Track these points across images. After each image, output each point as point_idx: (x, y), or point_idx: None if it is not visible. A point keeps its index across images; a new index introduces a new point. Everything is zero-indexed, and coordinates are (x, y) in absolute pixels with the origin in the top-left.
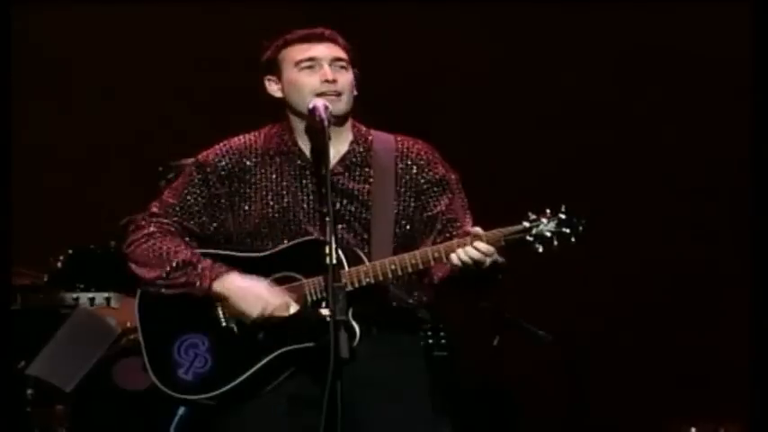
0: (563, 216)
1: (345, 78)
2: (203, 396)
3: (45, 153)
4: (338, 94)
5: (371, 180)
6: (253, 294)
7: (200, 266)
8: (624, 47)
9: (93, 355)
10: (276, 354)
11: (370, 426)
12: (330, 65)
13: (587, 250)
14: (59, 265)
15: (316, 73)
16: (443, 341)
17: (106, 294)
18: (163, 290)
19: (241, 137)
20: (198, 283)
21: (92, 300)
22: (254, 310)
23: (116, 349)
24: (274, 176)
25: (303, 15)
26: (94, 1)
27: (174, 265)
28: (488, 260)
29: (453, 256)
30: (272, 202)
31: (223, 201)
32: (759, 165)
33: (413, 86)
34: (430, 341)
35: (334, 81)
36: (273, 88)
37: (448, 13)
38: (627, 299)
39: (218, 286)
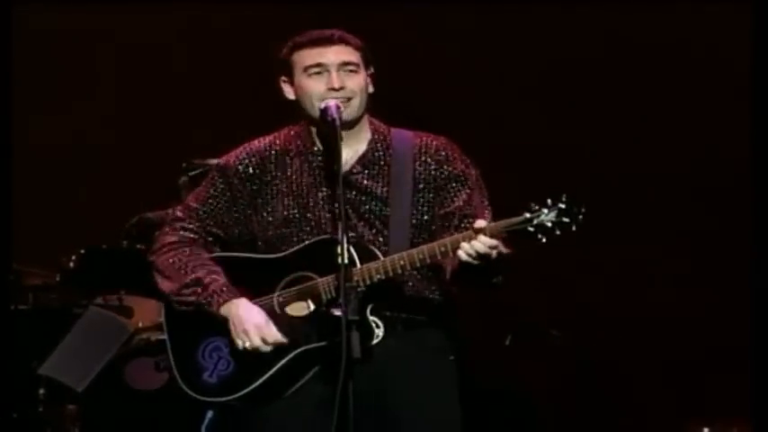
0: (563, 206)
1: (355, 82)
2: (227, 398)
3: (58, 153)
4: (347, 100)
5: (390, 178)
6: (241, 328)
7: (210, 288)
8: (626, 44)
9: (105, 355)
10: (294, 354)
11: (399, 423)
12: (338, 70)
13: (602, 250)
14: (71, 264)
15: (323, 79)
16: (455, 340)
17: (118, 304)
18: (176, 306)
19: (261, 139)
20: (205, 306)
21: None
22: (237, 342)
23: (128, 349)
24: (294, 177)
25: (313, 15)
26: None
27: (187, 281)
28: (493, 252)
29: (459, 251)
30: (292, 203)
31: (245, 204)
32: (760, 164)
33: (413, 84)
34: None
35: (341, 88)
36: (288, 90)
37: (450, 13)
38: (641, 298)
39: (225, 311)
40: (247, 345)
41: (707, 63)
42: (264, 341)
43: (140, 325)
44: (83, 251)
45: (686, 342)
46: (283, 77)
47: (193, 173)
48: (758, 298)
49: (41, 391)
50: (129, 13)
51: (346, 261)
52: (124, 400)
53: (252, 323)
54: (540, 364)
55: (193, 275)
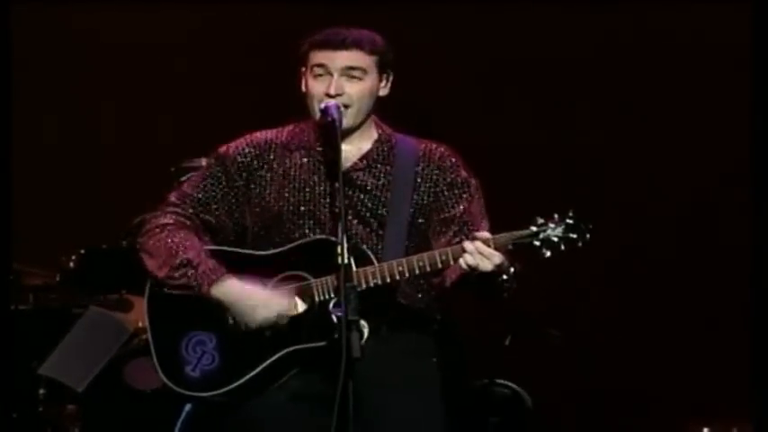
0: (570, 221)
1: (355, 89)
2: (210, 393)
3: (58, 153)
4: (345, 107)
5: (391, 178)
6: (248, 304)
7: (200, 269)
8: (629, 45)
9: (105, 354)
10: (283, 353)
11: (380, 426)
12: (341, 75)
13: (601, 252)
14: (72, 264)
15: (324, 82)
16: (454, 341)
17: (117, 297)
18: (165, 289)
19: (263, 132)
20: (196, 288)
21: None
22: (249, 319)
23: (128, 349)
24: (293, 171)
25: (315, 15)
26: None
27: (177, 262)
28: (494, 264)
29: (461, 260)
30: (288, 196)
31: (241, 194)
32: (760, 165)
33: (416, 88)
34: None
35: (339, 94)
36: (302, 84)
37: (449, 12)
38: (641, 299)
39: (216, 291)
40: (261, 320)
41: (707, 63)
42: (280, 314)
43: (140, 325)
44: (83, 251)
45: (686, 342)
46: (302, 69)
47: (186, 177)
48: (758, 297)
49: (41, 391)
50: (130, 12)
51: (346, 261)
52: (124, 400)
53: (259, 297)
54: (540, 364)
55: (184, 256)
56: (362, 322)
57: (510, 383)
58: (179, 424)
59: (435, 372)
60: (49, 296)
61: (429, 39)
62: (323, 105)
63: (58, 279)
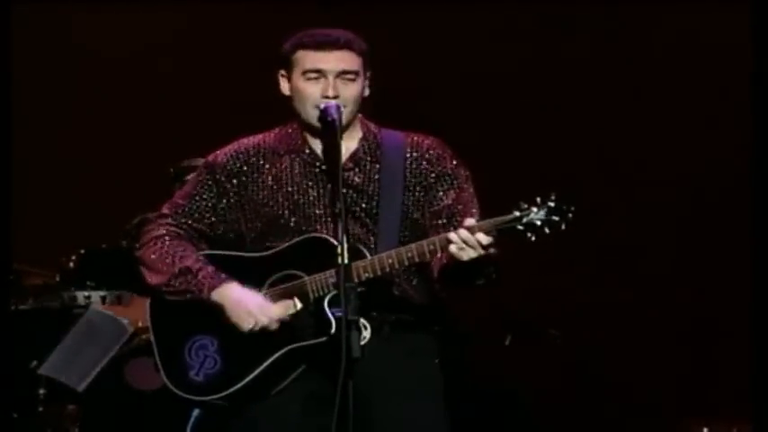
0: (552, 204)
1: (350, 92)
2: (214, 396)
3: (58, 153)
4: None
5: (380, 175)
6: (243, 309)
7: (200, 275)
8: (626, 45)
9: (105, 354)
10: (282, 352)
11: (383, 425)
12: (336, 77)
13: (598, 250)
14: (71, 264)
15: (320, 84)
16: (455, 340)
17: (117, 293)
18: (166, 296)
19: (251, 137)
20: (197, 292)
21: (103, 298)
22: (243, 324)
23: (128, 349)
24: (284, 175)
25: (302, 17)
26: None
27: (176, 271)
28: (482, 251)
29: (451, 248)
30: (282, 201)
31: (233, 201)
32: (759, 164)
33: (408, 82)
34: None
35: (335, 97)
36: (285, 86)
37: (448, 11)
38: (639, 298)
39: (216, 296)
40: (253, 325)
41: (706, 63)
42: (270, 319)
43: (140, 325)
44: (83, 251)
45: (686, 341)
46: (282, 72)
47: (185, 178)
48: (758, 297)
49: (41, 391)
50: (132, 12)
51: (346, 261)
52: (124, 400)
53: (254, 303)
54: (540, 364)
55: (182, 265)
56: (363, 321)
57: (510, 383)
58: (188, 428)
59: (438, 372)
60: (49, 296)
61: (422, 26)
62: (323, 106)
63: (57, 279)
